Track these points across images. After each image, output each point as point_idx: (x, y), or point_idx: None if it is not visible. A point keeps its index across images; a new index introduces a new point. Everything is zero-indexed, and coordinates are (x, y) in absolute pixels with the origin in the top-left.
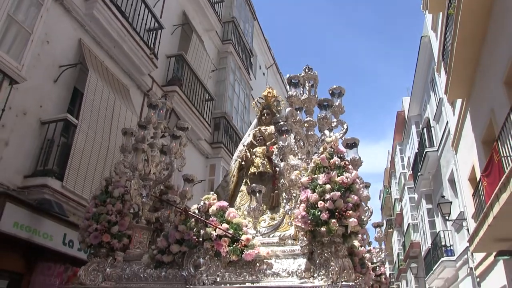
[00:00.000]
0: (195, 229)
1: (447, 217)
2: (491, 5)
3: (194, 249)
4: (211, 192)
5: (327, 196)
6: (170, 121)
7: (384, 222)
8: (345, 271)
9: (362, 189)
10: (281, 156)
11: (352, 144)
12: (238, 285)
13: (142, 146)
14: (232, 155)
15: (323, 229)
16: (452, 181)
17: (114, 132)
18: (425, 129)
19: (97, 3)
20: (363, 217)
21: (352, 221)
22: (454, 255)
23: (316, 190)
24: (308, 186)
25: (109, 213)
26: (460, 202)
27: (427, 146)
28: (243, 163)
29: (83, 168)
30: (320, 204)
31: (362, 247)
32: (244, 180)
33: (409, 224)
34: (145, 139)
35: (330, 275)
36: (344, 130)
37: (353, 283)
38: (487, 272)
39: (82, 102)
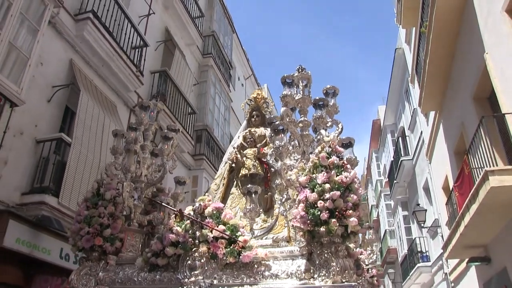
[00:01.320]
0: (190, 231)
1: (422, 224)
2: (459, 26)
3: (189, 251)
4: (206, 194)
5: (327, 195)
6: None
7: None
8: (346, 271)
9: (360, 188)
10: (277, 156)
11: (347, 144)
12: None
13: (135, 148)
14: (214, 167)
15: (322, 229)
16: (426, 189)
17: (104, 149)
18: (400, 138)
19: (87, 25)
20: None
21: (353, 220)
22: (430, 261)
23: (316, 190)
24: (307, 185)
25: (101, 215)
26: (435, 209)
27: (402, 154)
28: (233, 165)
29: (77, 184)
30: (320, 203)
31: (357, 249)
32: (235, 182)
33: (385, 231)
34: (137, 140)
35: (331, 276)
36: (340, 130)
37: (356, 283)
38: (461, 277)
39: (75, 121)
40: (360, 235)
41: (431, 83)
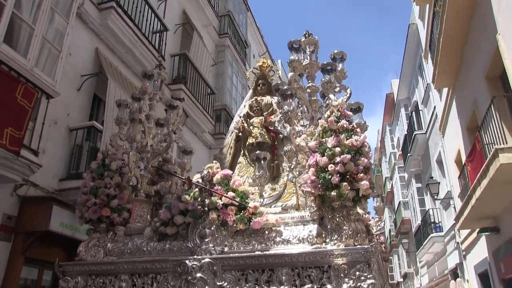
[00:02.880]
0: (199, 199)
1: (435, 197)
2: (474, 6)
3: (199, 219)
4: (214, 161)
5: (337, 159)
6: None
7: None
8: (359, 235)
9: (370, 152)
10: (286, 121)
11: (356, 109)
12: (247, 254)
13: (139, 117)
14: None
15: (333, 193)
16: (440, 162)
17: None
18: (413, 112)
19: (111, 14)
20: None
21: (364, 184)
22: (443, 231)
23: (326, 154)
24: (317, 150)
25: (108, 186)
26: (448, 182)
27: (416, 128)
28: (240, 134)
29: None
30: (331, 167)
31: (366, 215)
32: (242, 152)
33: (400, 202)
34: (141, 109)
35: (344, 239)
36: (348, 95)
37: (369, 246)
38: (472, 246)
39: (104, 108)
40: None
41: (445, 61)
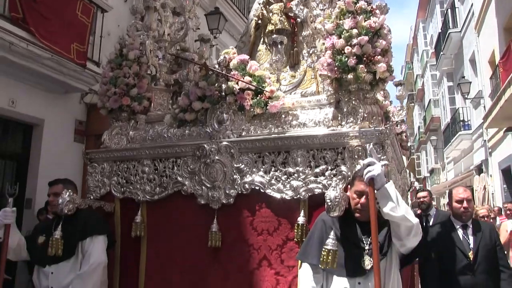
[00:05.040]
0: (216, 84)
1: (466, 96)
2: None
3: (216, 104)
4: (231, 47)
5: (354, 41)
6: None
7: (406, 96)
8: (374, 117)
9: (390, 35)
10: (303, 3)
11: None
12: (263, 137)
13: (154, 4)
14: None
15: (350, 76)
16: (473, 62)
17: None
18: (449, 9)
19: None
20: (391, 64)
21: (381, 66)
22: (471, 129)
23: (343, 36)
24: (333, 32)
25: (126, 76)
26: (479, 81)
27: (451, 27)
28: (259, 22)
29: None
30: (347, 49)
31: (386, 101)
32: (262, 39)
33: (430, 100)
34: None
35: (359, 122)
36: None
37: (383, 128)
38: (498, 144)
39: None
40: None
41: None
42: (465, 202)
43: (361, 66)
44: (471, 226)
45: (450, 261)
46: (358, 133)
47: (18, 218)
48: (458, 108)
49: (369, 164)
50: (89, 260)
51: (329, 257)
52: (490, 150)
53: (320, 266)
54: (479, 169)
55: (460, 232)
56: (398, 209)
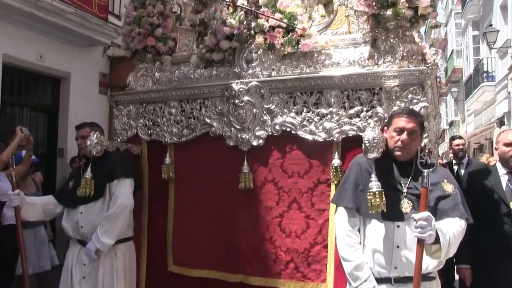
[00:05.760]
0: (245, 22)
1: (492, 45)
2: None
3: (245, 43)
4: None
5: None
6: None
7: (441, 39)
8: (414, 57)
9: None
10: None
11: None
12: (295, 76)
13: None
14: None
15: (389, 12)
16: (503, 8)
17: None
18: None
19: None
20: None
21: (424, 1)
22: (494, 80)
23: None
24: None
25: (150, 15)
26: (509, 29)
27: None
28: None
29: None
30: None
31: (423, 43)
32: None
33: (452, 50)
34: None
35: (397, 61)
36: None
37: (424, 67)
38: None
39: None
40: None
41: None
42: None
43: (402, 0)
44: None
45: (488, 209)
46: (397, 73)
47: (52, 167)
48: (482, 58)
49: (421, 227)
50: (116, 202)
51: (377, 200)
52: None
53: (370, 211)
54: (501, 122)
55: (504, 178)
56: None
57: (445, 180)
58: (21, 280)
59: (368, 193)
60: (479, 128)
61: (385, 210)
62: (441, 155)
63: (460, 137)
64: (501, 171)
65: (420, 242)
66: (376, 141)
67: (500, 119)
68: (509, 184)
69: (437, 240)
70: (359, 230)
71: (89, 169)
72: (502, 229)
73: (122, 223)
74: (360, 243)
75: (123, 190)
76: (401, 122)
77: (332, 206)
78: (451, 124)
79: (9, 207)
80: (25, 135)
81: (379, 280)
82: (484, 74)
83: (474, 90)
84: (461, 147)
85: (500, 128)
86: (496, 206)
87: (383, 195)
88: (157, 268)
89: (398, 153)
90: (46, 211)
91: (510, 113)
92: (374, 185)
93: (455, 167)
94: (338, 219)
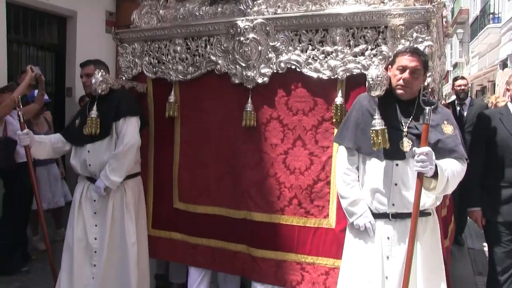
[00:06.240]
0: None
1: None
2: None
3: None
4: None
5: None
6: None
7: None
8: None
9: None
10: None
11: None
12: (301, 14)
13: None
14: None
15: None
16: None
17: None
18: None
19: None
20: None
21: None
22: (501, 22)
23: None
24: None
25: None
26: None
27: None
28: None
29: None
30: None
31: None
32: None
33: None
34: None
35: None
36: None
37: (430, 6)
38: None
39: None
40: None
41: None
42: None
43: None
44: None
45: (501, 151)
46: (402, 11)
47: (60, 106)
48: None
49: (422, 161)
50: (123, 141)
51: (380, 138)
52: None
53: (373, 148)
54: (504, 64)
55: None
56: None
57: (445, 122)
58: (36, 214)
59: (371, 131)
60: (482, 70)
61: (387, 147)
62: (444, 96)
63: (462, 78)
64: None
65: (420, 176)
66: (379, 79)
67: (503, 61)
68: None
69: (436, 175)
70: (357, 168)
71: (94, 107)
72: None
73: (129, 161)
74: (358, 180)
75: (129, 129)
76: (404, 60)
77: (336, 144)
78: (455, 65)
79: None
80: (35, 74)
81: (377, 216)
82: (490, 15)
83: (480, 32)
84: (463, 87)
85: (503, 70)
86: (510, 148)
87: (386, 132)
88: (163, 204)
89: (400, 91)
90: (56, 149)
91: None
92: (377, 123)
93: (458, 108)
94: (338, 157)
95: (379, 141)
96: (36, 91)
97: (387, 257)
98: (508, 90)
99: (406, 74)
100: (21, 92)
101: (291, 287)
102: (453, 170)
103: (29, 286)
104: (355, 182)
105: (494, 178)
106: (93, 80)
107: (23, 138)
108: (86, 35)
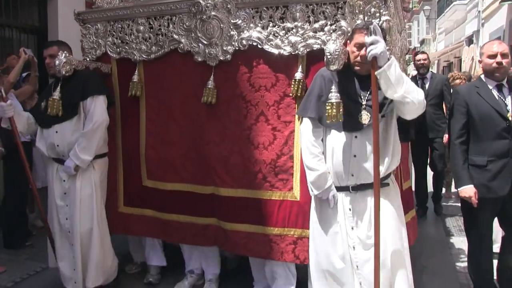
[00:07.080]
0: None
1: None
2: None
3: None
4: None
5: None
6: None
7: None
8: None
9: None
10: None
11: None
12: None
13: None
14: None
15: None
16: None
17: None
18: None
19: None
20: None
21: None
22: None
23: None
24: None
25: None
26: None
27: None
28: None
29: None
30: None
31: None
32: None
33: None
34: None
35: None
36: None
37: None
38: (492, 15)
39: None
40: None
41: None
42: (499, 56)
43: None
44: (507, 85)
45: (484, 125)
46: None
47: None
48: None
49: (372, 43)
50: (92, 119)
51: (334, 110)
52: (483, 21)
53: (327, 121)
54: (470, 40)
55: (495, 92)
56: (401, 90)
57: None
58: (31, 193)
59: (327, 104)
60: (449, 46)
61: (341, 120)
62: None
63: (423, 52)
64: (490, 84)
65: (374, 63)
66: (337, 53)
67: (469, 37)
68: (500, 97)
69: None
70: (322, 141)
71: (58, 89)
72: (501, 144)
73: (99, 139)
74: (322, 153)
75: (97, 107)
76: (361, 38)
77: (298, 118)
78: (422, 42)
79: None
80: (28, 56)
81: (338, 188)
82: None
83: (446, 9)
84: (423, 62)
85: (469, 46)
86: (495, 121)
87: (341, 106)
88: (133, 183)
89: (357, 67)
90: (29, 125)
91: (478, 32)
92: (333, 96)
93: (419, 82)
94: (303, 130)
95: (334, 113)
96: (24, 74)
97: (352, 228)
98: (480, 61)
99: (362, 52)
100: (17, 73)
101: (261, 257)
102: (409, 81)
103: (34, 258)
104: (322, 155)
105: (481, 153)
106: (57, 62)
107: (8, 109)
108: (67, 16)
